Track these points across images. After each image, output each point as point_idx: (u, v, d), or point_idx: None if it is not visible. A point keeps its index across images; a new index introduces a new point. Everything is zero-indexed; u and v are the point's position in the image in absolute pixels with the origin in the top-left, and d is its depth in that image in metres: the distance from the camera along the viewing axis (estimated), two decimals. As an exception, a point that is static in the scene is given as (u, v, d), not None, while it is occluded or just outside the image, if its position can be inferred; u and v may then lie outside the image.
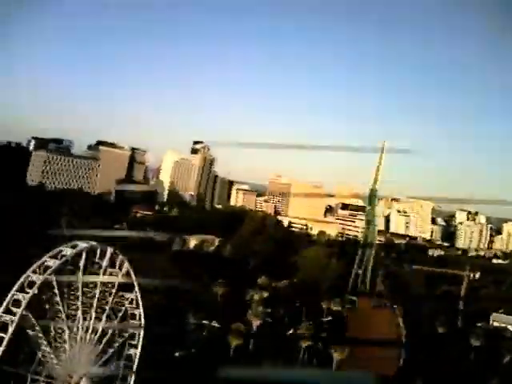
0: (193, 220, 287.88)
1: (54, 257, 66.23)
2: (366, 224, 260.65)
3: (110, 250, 72.69)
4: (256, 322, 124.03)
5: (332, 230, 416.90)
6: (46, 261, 65.33)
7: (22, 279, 63.49)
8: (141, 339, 78.24)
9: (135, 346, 78.65)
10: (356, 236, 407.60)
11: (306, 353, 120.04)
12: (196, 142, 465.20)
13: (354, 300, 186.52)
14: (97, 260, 71.49)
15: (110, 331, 73.48)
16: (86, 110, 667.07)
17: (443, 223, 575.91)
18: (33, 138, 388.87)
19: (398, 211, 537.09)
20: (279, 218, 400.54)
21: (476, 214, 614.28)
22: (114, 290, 73.58)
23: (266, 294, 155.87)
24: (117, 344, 75.80)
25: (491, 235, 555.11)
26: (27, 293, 62.37)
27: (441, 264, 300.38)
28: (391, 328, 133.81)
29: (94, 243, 71.45)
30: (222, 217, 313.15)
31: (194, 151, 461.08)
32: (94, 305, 71.47)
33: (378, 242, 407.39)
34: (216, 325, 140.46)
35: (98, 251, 71.38)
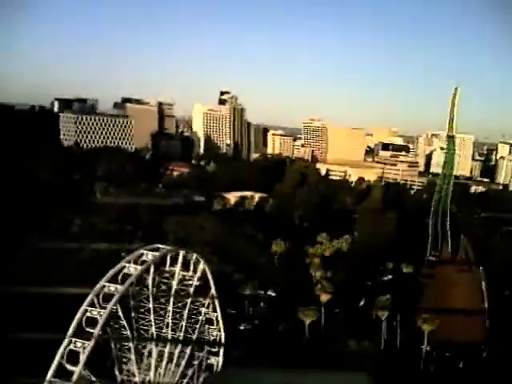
0: (230, 175, 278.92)
1: (134, 262, 58.66)
2: (441, 178, 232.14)
3: (182, 253, 66.12)
4: (325, 298, 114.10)
5: (371, 175, 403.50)
6: (124, 267, 57.29)
7: (96, 290, 53.96)
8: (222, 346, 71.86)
9: (216, 354, 72.85)
10: (396, 179, 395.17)
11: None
12: (222, 93, 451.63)
13: (432, 261, 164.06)
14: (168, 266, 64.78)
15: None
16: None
17: (482, 158, 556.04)
18: (56, 99, 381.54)
19: (442, 148, 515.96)
20: (318, 165, 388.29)
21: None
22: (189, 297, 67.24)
23: (327, 253, 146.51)
24: (199, 355, 69.85)
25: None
26: (103, 308, 52.47)
27: (484, 201, 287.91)
28: (476, 293, 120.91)
29: (171, 248, 65.08)
30: (261, 169, 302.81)
31: (222, 102, 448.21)
32: (170, 315, 64.69)
33: (419, 185, 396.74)
34: (273, 294, 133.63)
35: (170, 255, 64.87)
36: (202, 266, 69.02)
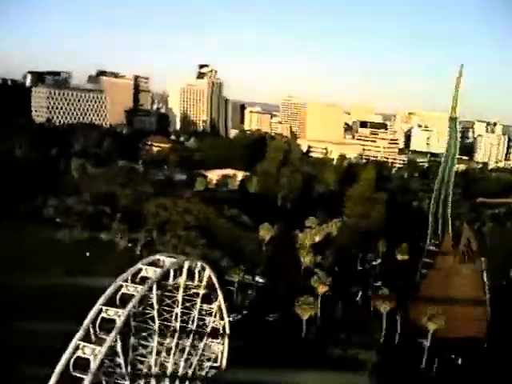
0: (211, 152, 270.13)
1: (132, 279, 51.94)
2: (445, 159, 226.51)
3: (187, 264, 59.23)
4: (322, 289, 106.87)
5: (352, 152, 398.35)
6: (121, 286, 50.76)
7: (92, 315, 46.72)
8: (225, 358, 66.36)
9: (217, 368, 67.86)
10: (376, 157, 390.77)
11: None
12: (202, 66, 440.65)
13: (433, 251, 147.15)
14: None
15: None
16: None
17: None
18: (28, 72, 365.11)
19: (419, 126, 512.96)
20: (297, 142, 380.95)
21: (495, 124, 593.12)
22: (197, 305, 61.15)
23: (317, 239, 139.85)
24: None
25: (508, 146, 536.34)
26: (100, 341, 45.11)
27: (467, 180, 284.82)
28: (478, 284, 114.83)
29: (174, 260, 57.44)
30: (241, 146, 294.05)
31: (200, 76, 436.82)
32: (178, 325, 58.51)
33: (400, 163, 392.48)
34: (261, 280, 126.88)
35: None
36: (207, 273, 61.74)
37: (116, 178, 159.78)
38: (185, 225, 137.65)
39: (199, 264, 61.08)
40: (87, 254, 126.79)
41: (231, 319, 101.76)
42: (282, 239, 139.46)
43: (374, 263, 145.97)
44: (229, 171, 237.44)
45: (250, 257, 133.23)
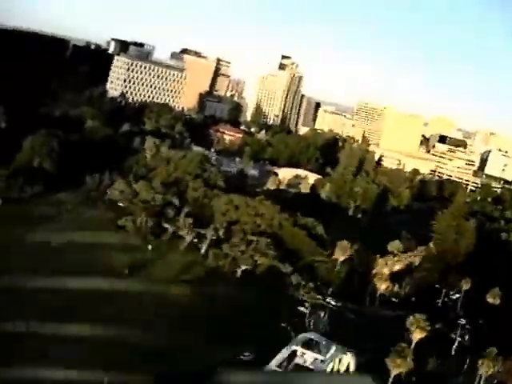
0: (282, 148, 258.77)
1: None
2: None
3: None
4: (419, 335, 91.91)
5: (425, 167, 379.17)
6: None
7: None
8: None
9: None
10: (450, 176, 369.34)
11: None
12: (284, 57, 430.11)
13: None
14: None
15: None
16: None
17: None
18: (113, 39, 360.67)
19: (499, 150, 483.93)
20: (370, 149, 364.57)
21: None
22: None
23: (397, 267, 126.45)
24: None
25: None
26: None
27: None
28: None
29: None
30: (312, 145, 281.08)
31: (282, 67, 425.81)
32: None
33: (473, 186, 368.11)
34: (332, 302, 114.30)
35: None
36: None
37: (190, 165, 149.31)
38: (255, 229, 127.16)
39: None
40: (149, 247, 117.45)
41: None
42: (358, 261, 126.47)
43: (456, 300, 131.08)
44: (300, 172, 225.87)
45: (322, 275, 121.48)
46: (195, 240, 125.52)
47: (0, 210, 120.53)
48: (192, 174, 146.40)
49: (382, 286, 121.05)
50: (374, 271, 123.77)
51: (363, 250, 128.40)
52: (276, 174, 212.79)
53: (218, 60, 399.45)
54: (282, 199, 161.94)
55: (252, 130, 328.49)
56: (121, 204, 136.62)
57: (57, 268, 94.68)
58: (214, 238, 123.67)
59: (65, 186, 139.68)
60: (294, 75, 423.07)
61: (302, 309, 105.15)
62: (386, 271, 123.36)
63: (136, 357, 72.16)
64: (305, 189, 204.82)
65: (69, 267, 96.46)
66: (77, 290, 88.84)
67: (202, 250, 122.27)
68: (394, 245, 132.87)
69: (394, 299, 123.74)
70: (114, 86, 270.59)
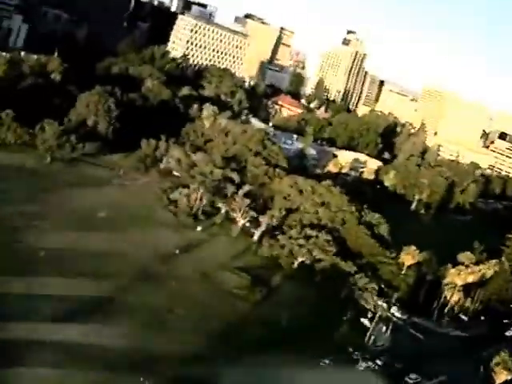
0: (342, 128, 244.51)
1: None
2: None
3: None
4: (505, 377, 79.85)
5: (483, 162, 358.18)
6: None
7: None
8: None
9: None
10: (508, 173, 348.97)
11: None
12: (349, 32, 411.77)
13: None
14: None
15: None
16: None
17: None
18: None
19: None
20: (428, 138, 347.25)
21: None
22: None
23: (470, 279, 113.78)
24: None
25: None
26: None
27: None
28: None
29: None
30: (372, 127, 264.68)
31: (346, 42, 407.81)
32: None
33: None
34: (397, 314, 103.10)
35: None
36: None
37: (250, 141, 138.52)
38: (316, 221, 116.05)
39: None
40: (198, 228, 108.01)
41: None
42: (428, 268, 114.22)
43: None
44: (360, 155, 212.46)
45: (387, 278, 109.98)
46: (247, 225, 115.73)
47: (48, 168, 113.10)
48: (252, 150, 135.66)
49: (454, 298, 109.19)
50: (445, 281, 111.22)
51: (433, 256, 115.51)
52: (335, 156, 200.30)
53: (282, 29, 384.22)
54: (345, 185, 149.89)
55: (311, 105, 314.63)
56: (176, 174, 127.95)
57: (100, 245, 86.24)
58: (270, 225, 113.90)
59: (118, 149, 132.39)
60: (358, 51, 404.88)
61: (364, 321, 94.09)
62: (459, 282, 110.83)
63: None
64: (368, 174, 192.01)
65: (113, 243, 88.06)
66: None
67: (255, 237, 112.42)
68: (466, 256, 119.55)
69: (463, 316, 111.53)
70: (175, 47, 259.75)
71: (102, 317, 67.23)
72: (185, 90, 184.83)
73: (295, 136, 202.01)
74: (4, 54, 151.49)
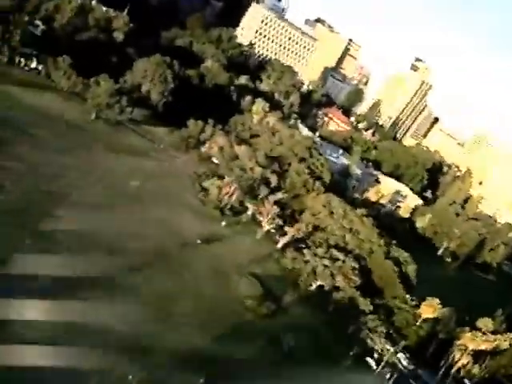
0: (388, 156, 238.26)
1: None
2: None
3: None
4: None
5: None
6: None
7: None
8: None
9: None
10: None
11: None
12: (418, 59, 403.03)
13: None
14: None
15: None
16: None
17: None
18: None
19: None
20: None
21: None
22: None
23: (483, 347, 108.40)
24: None
25: None
26: None
27: None
28: None
29: None
30: (421, 163, 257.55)
31: (414, 68, 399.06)
32: None
33: None
34: (405, 363, 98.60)
35: None
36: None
37: (297, 146, 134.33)
38: (342, 244, 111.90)
39: None
40: (223, 222, 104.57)
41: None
42: (444, 326, 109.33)
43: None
44: (402, 188, 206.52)
45: (399, 324, 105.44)
46: (273, 230, 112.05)
47: (90, 125, 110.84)
48: (298, 155, 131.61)
49: (462, 361, 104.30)
50: (457, 342, 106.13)
51: (453, 315, 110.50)
52: (377, 181, 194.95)
53: (350, 40, 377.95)
54: (378, 217, 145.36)
55: (360, 125, 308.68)
56: (215, 161, 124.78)
57: (123, 218, 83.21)
58: (296, 236, 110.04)
59: (164, 122, 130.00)
60: (424, 81, 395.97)
61: (369, 360, 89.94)
62: (471, 346, 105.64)
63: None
64: (404, 211, 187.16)
65: (137, 219, 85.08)
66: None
67: (279, 245, 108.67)
68: (485, 322, 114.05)
69: (467, 381, 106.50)
70: (243, 33, 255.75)
71: (102, 294, 63.52)
72: (242, 79, 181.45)
73: (341, 151, 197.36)
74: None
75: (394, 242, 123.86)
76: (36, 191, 74.24)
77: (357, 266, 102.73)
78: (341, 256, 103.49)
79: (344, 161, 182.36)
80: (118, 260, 71.17)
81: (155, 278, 72.86)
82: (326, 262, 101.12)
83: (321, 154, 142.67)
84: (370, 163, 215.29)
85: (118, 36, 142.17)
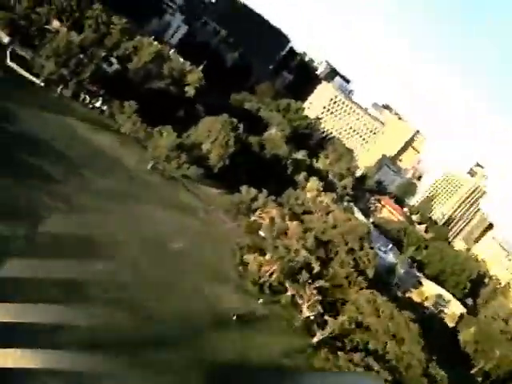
0: (438, 258, 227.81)
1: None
2: None
3: None
4: None
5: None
6: None
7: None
8: None
9: None
10: None
11: None
12: (478, 165, 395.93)
13: None
14: None
15: None
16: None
17: None
18: (327, 62, 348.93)
19: None
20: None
21: None
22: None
23: None
24: None
25: None
26: None
27: None
28: None
29: None
30: (467, 272, 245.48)
31: (471, 172, 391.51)
32: None
33: None
34: None
35: None
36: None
37: (351, 233, 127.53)
38: (381, 351, 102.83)
39: None
40: (260, 300, 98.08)
41: None
42: None
43: None
44: (446, 294, 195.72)
45: None
46: (312, 318, 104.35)
47: (144, 175, 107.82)
48: (349, 244, 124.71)
49: None
50: None
51: None
52: (420, 283, 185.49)
53: (416, 131, 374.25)
54: (423, 321, 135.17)
55: (414, 217, 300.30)
56: (261, 234, 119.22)
57: (159, 281, 77.76)
58: (334, 331, 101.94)
59: (217, 183, 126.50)
60: (479, 187, 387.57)
61: None
62: None
63: None
64: (450, 318, 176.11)
65: (175, 286, 79.48)
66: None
67: (315, 339, 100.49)
68: None
69: None
70: (311, 107, 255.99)
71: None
72: (300, 154, 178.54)
73: (390, 245, 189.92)
74: (155, 43, 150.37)
75: (435, 357, 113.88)
76: (73, 236, 69.84)
77: (389, 378, 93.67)
78: (376, 366, 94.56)
79: (392, 257, 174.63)
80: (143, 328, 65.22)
81: (179, 361, 66.06)
82: (360, 370, 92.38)
83: (371, 248, 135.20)
84: (415, 264, 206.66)
85: (190, 91, 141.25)
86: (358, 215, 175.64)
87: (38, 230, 65.41)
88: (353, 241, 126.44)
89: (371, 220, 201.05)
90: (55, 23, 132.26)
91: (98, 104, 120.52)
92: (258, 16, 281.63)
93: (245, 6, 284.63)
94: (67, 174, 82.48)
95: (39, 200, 71.79)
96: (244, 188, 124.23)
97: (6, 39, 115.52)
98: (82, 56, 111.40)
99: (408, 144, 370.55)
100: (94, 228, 75.12)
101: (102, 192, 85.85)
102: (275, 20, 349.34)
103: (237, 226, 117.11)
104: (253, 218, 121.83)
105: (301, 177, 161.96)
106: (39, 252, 61.77)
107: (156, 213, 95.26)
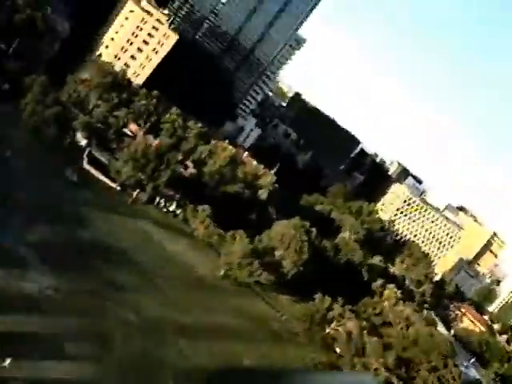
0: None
1: None
2: None
3: None
4: None
5: None
6: None
7: None
8: None
9: None
10: None
11: None
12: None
13: None
14: None
15: None
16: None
17: None
18: (398, 162, 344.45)
19: None
20: None
21: None
22: None
23: None
24: None
25: None
26: None
27: None
28: None
29: None
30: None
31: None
32: None
33: None
34: None
35: None
36: None
37: (433, 349, 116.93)
38: None
39: None
40: None
41: None
42: None
43: None
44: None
45: None
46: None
47: (216, 282, 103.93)
48: (432, 363, 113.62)
49: None
50: None
51: None
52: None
53: (494, 234, 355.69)
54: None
55: (495, 326, 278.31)
56: (337, 350, 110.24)
57: None
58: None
59: (289, 290, 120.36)
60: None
61: None
62: None
63: None
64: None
65: None
66: None
67: None
68: None
69: None
70: (384, 209, 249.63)
71: None
72: (375, 259, 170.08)
73: (473, 359, 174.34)
74: (230, 146, 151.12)
75: None
76: (138, 353, 65.42)
77: None
78: None
79: (474, 372, 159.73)
80: None
81: None
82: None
83: (456, 365, 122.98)
84: (499, 377, 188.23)
85: (262, 194, 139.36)
86: (440, 327, 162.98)
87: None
88: (436, 358, 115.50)
89: (452, 332, 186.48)
90: (132, 127, 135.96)
91: (172, 208, 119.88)
92: (328, 118, 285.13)
93: (315, 109, 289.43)
94: (139, 284, 79.76)
95: (112, 313, 68.76)
96: (318, 296, 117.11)
97: (83, 142, 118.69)
98: (158, 161, 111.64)
99: (486, 247, 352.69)
100: (159, 346, 70.37)
101: (172, 302, 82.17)
102: (345, 121, 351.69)
103: (311, 342, 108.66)
104: (327, 330, 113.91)
105: (377, 284, 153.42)
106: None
107: (226, 325, 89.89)
